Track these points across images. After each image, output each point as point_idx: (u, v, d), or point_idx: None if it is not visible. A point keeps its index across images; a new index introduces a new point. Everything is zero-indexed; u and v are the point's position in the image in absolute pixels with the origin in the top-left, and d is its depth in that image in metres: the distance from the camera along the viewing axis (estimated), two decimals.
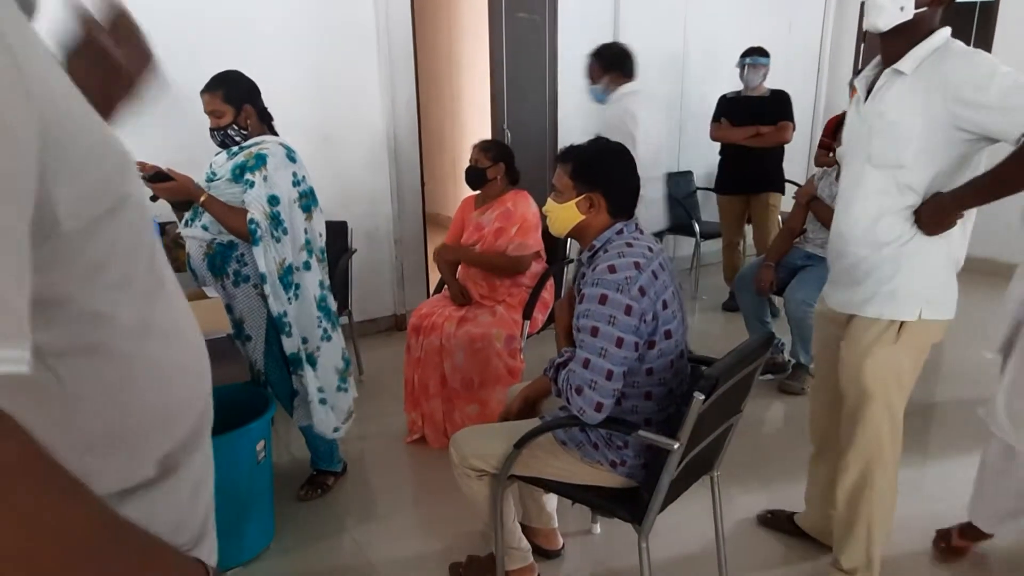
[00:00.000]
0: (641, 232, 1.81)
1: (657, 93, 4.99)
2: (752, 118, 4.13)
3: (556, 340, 1.88)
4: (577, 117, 4.62)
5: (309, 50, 3.67)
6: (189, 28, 3.25)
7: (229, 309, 2.21)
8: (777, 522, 2.34)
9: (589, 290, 1.65)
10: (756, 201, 4.32)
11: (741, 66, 4.13)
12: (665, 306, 1.68)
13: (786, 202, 4.05)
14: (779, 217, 4.24)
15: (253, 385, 2.28)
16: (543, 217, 2.13)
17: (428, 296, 3.78)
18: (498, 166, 2.93)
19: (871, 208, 1.77)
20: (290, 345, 2.25)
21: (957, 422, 3.11)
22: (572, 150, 1.83)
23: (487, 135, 4.49)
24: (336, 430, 2.40)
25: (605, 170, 1.77)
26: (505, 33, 3.82)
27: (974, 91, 1.58)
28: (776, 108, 4.12)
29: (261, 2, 3.50)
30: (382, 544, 2.31)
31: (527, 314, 2.80)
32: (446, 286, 2.97)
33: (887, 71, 1.73)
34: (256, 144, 2.22)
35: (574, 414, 1.66)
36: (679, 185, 5.11)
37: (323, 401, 2.34)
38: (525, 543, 2.04)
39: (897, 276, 1.77)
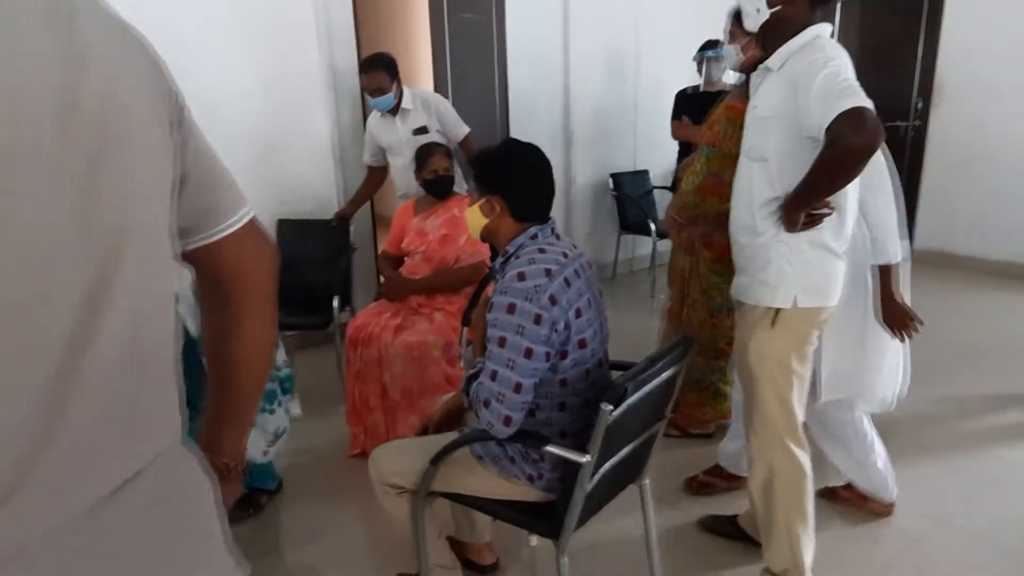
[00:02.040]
0: (557, 237, 1.76)
1: (608, 92, 4.99)
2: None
3: (473, 350, 1.83)
4: (530, 118, 4.58)
5: (247, 55, 3.58)
6: None
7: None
8: (718, 525, 2.31)
9: (497, 299, 1.60)
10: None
11: (700, 60, 4.04)
12: (579, 314, 1.63)
13: None
14: None
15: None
16: None
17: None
18: (455, 170, 2.93)
19: (746, 199, 1.84)
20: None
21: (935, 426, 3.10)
22: (479, 153, 1.80)
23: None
24: (264, 453, 2.32)
25: (505, 173, 1.73)
26: (448, 34, 3.76)
27: (805, 84, 1.63)
28: None
29: (195, 5, 3.41)
30: (318, 565, 2.24)
31: (465, 320, 2.74)
32: (384, 292, 2.92)
33: (760, 68, 1.82)
34: None
35: (484, 430, 1.61)
36: (635, 184, 5.09)
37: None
38: (452, 559, 1.97)
39: (771, 265, 1.81)
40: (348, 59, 3.91)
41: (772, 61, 1.78)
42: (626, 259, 5.30)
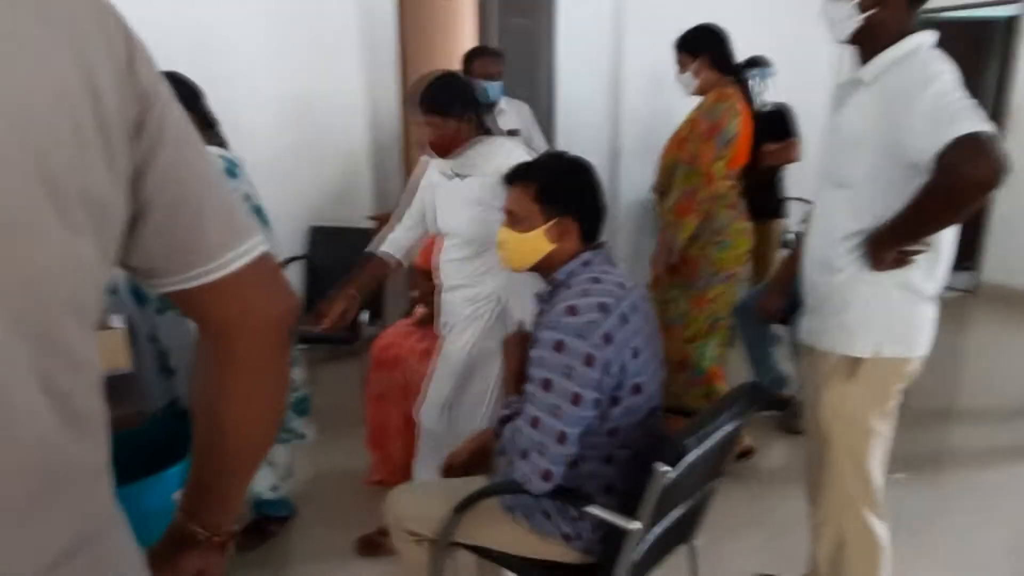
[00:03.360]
0: (612, 264, 1.55)
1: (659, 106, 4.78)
2: (755, 132, 3.84)
3: (504, 384, 1.63)
4: (577, 129, 4.40)
5: (285, 58, 3.47)
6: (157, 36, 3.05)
7: (152, 339, 1.98)
8: None
9: (544, 334, 1.39)
10: (755, 231, 3.99)
11: (751, 79, 3.86)
12: (636, 355, 1.42)
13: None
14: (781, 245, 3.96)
15: (171, 421, 2.04)
16: None
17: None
18: None
19: (827, 230, 1.61)
20: None
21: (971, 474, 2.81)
22: (533, 167, 1.58)
23: None
24: (274, 488, 2.15)
25: (578, 190, 1.53)
26: (498, 39, 3.59)
27: (907, 102, 1.41)
28: (781, 123, 3.82)
29: (237, 9, 3.30)
30: None
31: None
32: (416, 308, 2.73)
33: (850, 79, 1.58)
34: None
35: (517, 481, 1.40)
36: None
37: None
38: None
39: (850, 307, 1.57)
40: (388, 61, 3.77)
41: (865, 72, 1.54)
42: None
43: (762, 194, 3.87)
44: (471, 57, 3.25)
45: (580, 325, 1.36)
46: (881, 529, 1.67)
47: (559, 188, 1.53)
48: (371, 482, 2.65)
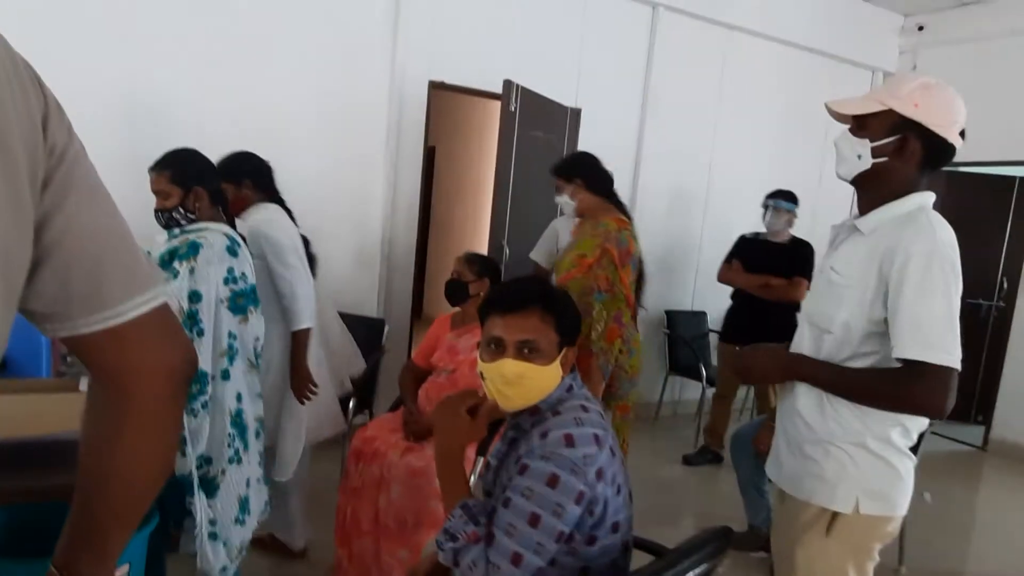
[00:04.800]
0: (584, 388, 1.52)
1: (673, 227, 4.85)
2: (768, 266, 3.83)
3: (439, 470, 1.49)
4: None
5: (315, 139, 3.60)
6: (194, 99, 3.21)
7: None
8: None
9: (536, 464, 1.31)
10: None
11: (765, 207, 3.90)
12: (618, 491, 1.37)
13: None
14: None
15: None
16: None
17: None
18: (483, 282, 2.71)
19: None
20: (181, 466, 1.95)
21: None
22: (558, 298, 1.48)
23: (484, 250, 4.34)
24: (224, 569, 2.06)
25: (577, 314, 1.51)
26: (515, 150, 3.71)
27: (898, 278, 1.39)
28: (795, 260, 3.81)
29: (276, 88, 3.47)
30: None
31: (482, 450, 2.47)
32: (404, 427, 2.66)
33: (847, 225, 1.56)
34: (197, 231, 2.04)
35: None
36: (690, 325, 4.85)
37: (213, 536, 2.02)
38: None
39: (830, 457, 1.50)
40: (414, 159, 3.90)
41: (863, 223, 1.51)
42: (671, 401, 4.98)
43: (778, 324, 3.88)
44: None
45: (576, 459, 1.30)
46: None
47: (571, 315, 1.48)
48: None
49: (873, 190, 1.52)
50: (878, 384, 1.45)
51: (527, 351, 1.41)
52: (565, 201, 2.91)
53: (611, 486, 1.34)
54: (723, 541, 1.43)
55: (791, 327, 4.11)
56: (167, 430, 0.74)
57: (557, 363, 1.43)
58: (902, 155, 1.46)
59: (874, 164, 1.48)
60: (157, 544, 2.27)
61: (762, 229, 3.96)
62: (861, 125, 1.50)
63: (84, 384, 1.75)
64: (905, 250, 1.39)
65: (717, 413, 4.14)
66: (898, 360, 1.39)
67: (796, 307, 3.86)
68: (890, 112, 1.46)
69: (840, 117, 1.55)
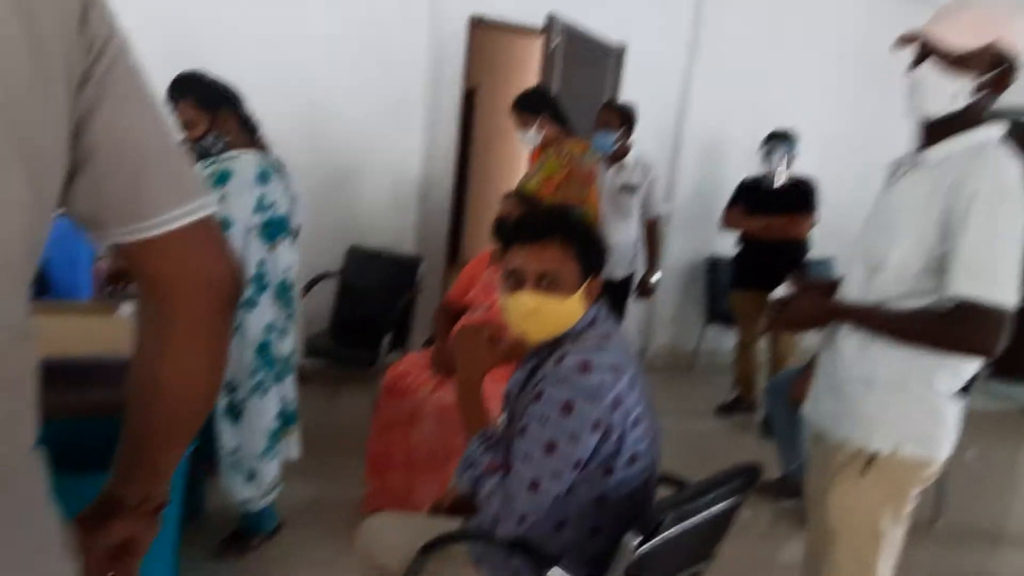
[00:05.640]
0: (615, 323, 1.48)
1: (721, 173, 4.72)
2: (769, 207, 3.76)
3: (460, 398, 1.49)
4: None
5: (352, 73, 3.55)
6: (228, 41, 3.19)
7: None
8: None
9: (550, 390, 1.30)
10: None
11: (763, 149, 3.80)
12: (636, 424, 1.34)
13: None
14: None
15: None
16: None
17: None
18: None
19: None
20: None
21: None
22: (575, 227, 1.44)
23: None
24: (247, 501, 2.11)
25: (602, 245, 1.47)
26: (558, 88, 3.61)
27: (961, 213, 1.32)
28: (795, 198, 3.74)
29: (311, 28, 3.42)
30: None
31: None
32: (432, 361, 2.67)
33: (910, 158, 1.48)
34: (229, 158, 2.03)
35: (487, 528, 1.33)
36: (727, 274, 4.74)
37: (235, 465, 2.07)
38: None
39: (871, 397, 1.45)
40: (452, 98, 3.84)
41: (930, 155, 1.43)
42: (708, 351, 4.91)
43: (785, 265, 3.76)
44: (603, 106, 3.59)
45: (592, 386, 1.28)
46: None
47: (595, 246, 1.44)
48: (367, 511, 2.58)
49: (947, 124, 1.42)
50: (927, 325, 1.38)
51: (546, 283, 1.38)
52: (531, 136, 2.98)
53: (628, 418, 1.32)
54: (749, 477, 1.40)
55: (794, 266, 4.06)
56: (212, 347, 0.73)
57: (578, 296, 1.39)
58: (999, 89, 1.39)
59: (972, 101, 1.39)
60: (195, 468, 2.36)
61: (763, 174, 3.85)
62: (960, 60, 1.37)
63: (123, 308, 1.78)
64: (973, 184, 1.32)
65: (743, 361, 4.09)
66: (951, 299, 1.33)
67: (802, 246, 3.85)
68: (990, 44, 1.36)
69: (926, 49, 1.41)
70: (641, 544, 1.16)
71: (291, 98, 3.38)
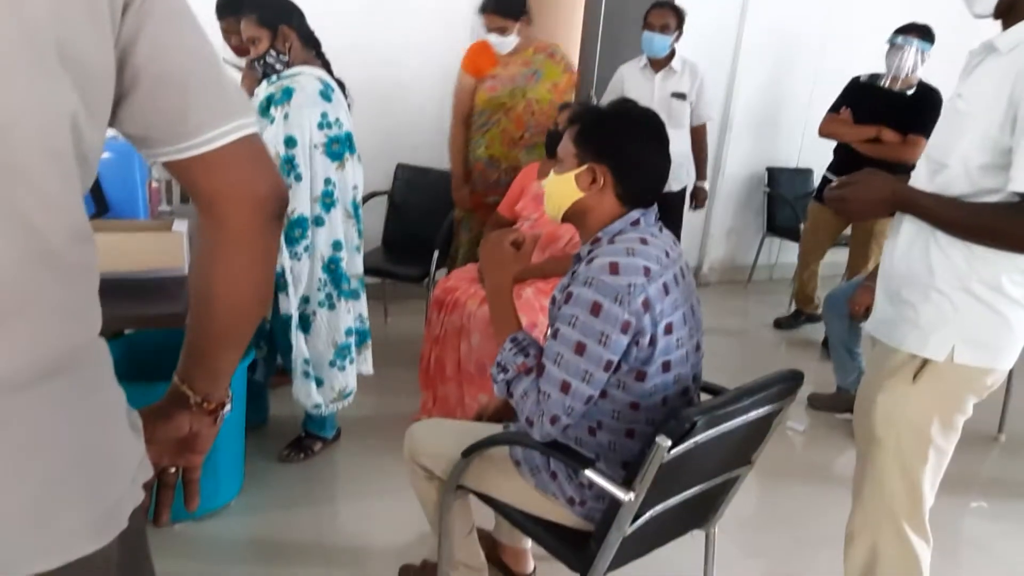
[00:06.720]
0: (660, 229, 1.45)
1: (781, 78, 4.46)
2: (884, 117, 3.26)
3: (490, 305, 1.50)
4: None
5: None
6: None
7: None
8: None
9: (580, 290, 1.31)
10: (858, 224, 3.48)
11: (890, 44, 3.24)
12: (669, 331, 1.33)
13: None
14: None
15: None
16: None
17: None
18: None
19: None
20: (285, 305, 2.07)
21: None
22: (584, 109, 1.49)
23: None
24: (317, 406, 2.22)
25: (619, 138, 1.41)
26: (604, 2, 3.43)
27: None
28: (919, 113, 3.15)
29: None
30: (347, 527, 2.13)
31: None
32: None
33: (983, 46, 1.36)
34: (292, 75, 2.02)
35: (525, 430, 1.36)
36: (793, 183, 4.56)
37: (307, 374, 2.16)
38: (481, 560, 1.76)
39: (929, 301, 1.39)
40: None
41: (1002, 39, 1.32)
42: (767, 265, 4.79)
43: None
44: (654, 5, 3.33)
45: (620, 287, 1.27)
46: (923, 552, 1.50)
47: (596, 133, 1.42)
48: (418, 419, 2.69)
49: (1016, 13, 1.32)
50: (992, 218, 1.30)
51: (556, 164, 1.47)
52: (508, 40, 2.91)
53: (660, 324, 1.31)
54: (791, 383, 1.39)
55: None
56: (258, 258, 0.77)
57: (571, 175, 1.41)
58: None
59: None
60: (260, 380, 2.48)
61: (884, 70, 3.30)
62: None
63: (177, 225, 1.85)
64: None
65: (804, 276, 3.90)
66: (1015, 194, 1.25)
67: (902, 168, 3.18)
68: None
69: None
70: (673, 447, 1.17)
71: (337, 17, 3.32)
